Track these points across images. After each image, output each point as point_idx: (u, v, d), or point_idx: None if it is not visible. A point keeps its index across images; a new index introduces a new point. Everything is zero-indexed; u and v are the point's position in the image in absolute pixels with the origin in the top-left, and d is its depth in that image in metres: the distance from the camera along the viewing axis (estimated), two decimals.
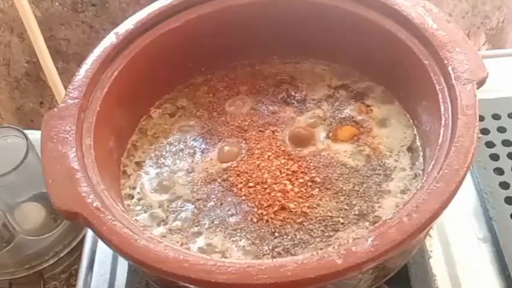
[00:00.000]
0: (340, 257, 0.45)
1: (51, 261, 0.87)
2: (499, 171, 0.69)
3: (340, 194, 0.57)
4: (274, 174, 0.59)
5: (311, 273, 0.44)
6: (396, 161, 0.60)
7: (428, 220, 0.46)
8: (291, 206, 0.57)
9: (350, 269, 0.45)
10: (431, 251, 0.64)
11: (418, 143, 0.61)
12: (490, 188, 0.67)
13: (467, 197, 0.68)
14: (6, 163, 0.77)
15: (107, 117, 0.59)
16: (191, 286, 0.47)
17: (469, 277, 0.62)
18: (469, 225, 0.66)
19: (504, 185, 0.67)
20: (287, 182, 0.58)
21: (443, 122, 0.53)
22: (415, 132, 0.62)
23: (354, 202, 0.57)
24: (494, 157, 0.70)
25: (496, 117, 0.74)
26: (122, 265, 0.65)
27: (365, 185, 0.58)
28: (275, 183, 0.58)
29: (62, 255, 0.88)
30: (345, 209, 0.56)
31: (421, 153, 0.60)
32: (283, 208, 0.57)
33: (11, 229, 0.85)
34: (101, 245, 0.67)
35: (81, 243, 0.76)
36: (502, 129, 0.73)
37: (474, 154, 0.50)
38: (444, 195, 0.47)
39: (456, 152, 0.50)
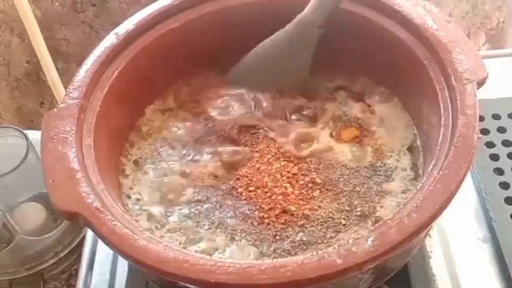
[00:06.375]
0: (340, 257, 0.45)
1: (51, 262, 0.87)
2: (499, 171, 0.69)
3: (341, 195, 0.57)
4: (275, 177, 0.59)
5: (311, 273, 0.44)
6: (397, 161, 0.60)
7: (428, 220, 0.46)
8: (292, 208, 0.56)
9: (350, 269, 0.45)
10: (431, 251, 0.64)
11: (418, 143, 0.61)
12: (490, 188, 0.67)
13: (467, 197, 0.68)
14: (6, 163, 0.77)
15: (107, 117, 0.59)
16: (191, 286, 0.47)
17: (469, 277, 0.62)
18: (469, 225, 0.66)
19: (504, 185, 0.67)
20: (288, 185, 0.58)
21: (443, 122, 0.53)
22: (415, 132, 0.62)
23: (355, 203, 0.57)
24: (494, 157, 0.70)
25: (496, 117, 0.74)
26: (122, 265, 0.65)
27: (366, 186, 0.58)
28: (275, 187, 0.58)
29: (62, 255, 0.87)
30: (347, 210, 0.56)
31: (421, 153, 0.60)
32: (284, 211, 0.56)
33: (11, 229, 0.85)
34: (101, 245, 0.67)
35: (81, 243, 0.75)
36: (502, 129, 0.73)
37: (474, 154, 0.50)
38: (444, 195, 0.47)
39: (456, 152, 0.50)
